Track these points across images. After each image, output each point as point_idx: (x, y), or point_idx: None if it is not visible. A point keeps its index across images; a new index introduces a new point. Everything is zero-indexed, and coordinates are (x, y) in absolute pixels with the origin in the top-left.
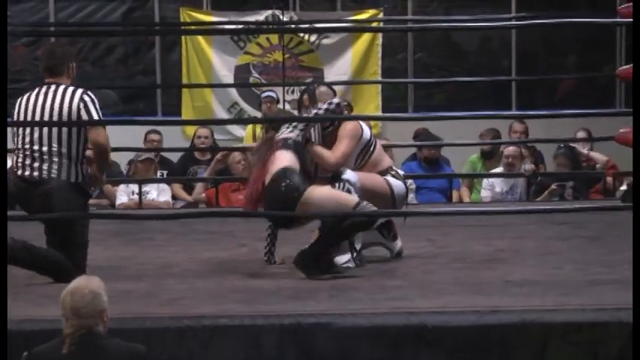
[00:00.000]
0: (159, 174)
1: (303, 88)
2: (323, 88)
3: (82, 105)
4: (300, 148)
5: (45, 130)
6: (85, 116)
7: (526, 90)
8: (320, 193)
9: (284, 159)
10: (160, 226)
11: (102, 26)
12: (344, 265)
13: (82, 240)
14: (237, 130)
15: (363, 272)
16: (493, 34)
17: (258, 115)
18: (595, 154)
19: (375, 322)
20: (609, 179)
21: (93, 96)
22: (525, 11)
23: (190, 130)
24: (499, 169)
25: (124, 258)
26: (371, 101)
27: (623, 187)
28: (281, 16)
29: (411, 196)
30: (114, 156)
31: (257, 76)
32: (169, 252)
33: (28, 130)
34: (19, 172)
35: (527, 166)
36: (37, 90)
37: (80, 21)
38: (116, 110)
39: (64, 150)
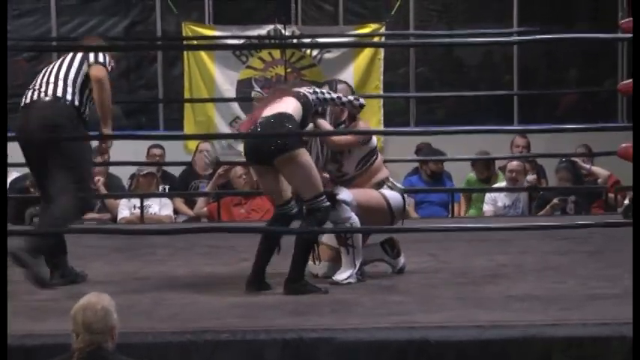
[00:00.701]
0: (161, 188)
1: (323, 82)
2: (341, 86)
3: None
4: (309, 107)
5: (54, 71)
6: (91, 56)
7: (528, 104)
8: (309, 161)
9: (285, 105)
10: (162, 240)
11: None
12: (346, 281)
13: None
14: (239, 144)
15: (365, 287)
16: (495, 48)
17: None
18: (596, 169)
19: (377, 337)
20: (611, 194)
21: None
22: (527, 26)
23: (192, 144)
24: (502, 184)
25: (125, 273)
26: (373, 116)
27: (626, 202)
28: (283, 31)
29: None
30: (116, 170)
31: (259, 90)
32: (171, 267)
33: (44, 77)
34: (22, 102)
35: (529, 177)
36: None
37: (82, 35)
38: (118, 125)
39: (69, 79)
